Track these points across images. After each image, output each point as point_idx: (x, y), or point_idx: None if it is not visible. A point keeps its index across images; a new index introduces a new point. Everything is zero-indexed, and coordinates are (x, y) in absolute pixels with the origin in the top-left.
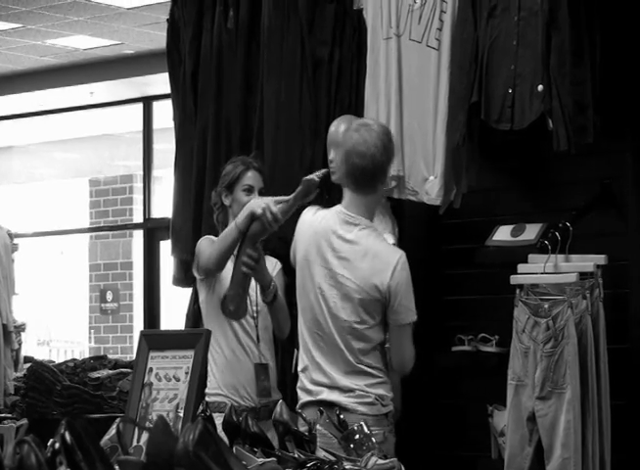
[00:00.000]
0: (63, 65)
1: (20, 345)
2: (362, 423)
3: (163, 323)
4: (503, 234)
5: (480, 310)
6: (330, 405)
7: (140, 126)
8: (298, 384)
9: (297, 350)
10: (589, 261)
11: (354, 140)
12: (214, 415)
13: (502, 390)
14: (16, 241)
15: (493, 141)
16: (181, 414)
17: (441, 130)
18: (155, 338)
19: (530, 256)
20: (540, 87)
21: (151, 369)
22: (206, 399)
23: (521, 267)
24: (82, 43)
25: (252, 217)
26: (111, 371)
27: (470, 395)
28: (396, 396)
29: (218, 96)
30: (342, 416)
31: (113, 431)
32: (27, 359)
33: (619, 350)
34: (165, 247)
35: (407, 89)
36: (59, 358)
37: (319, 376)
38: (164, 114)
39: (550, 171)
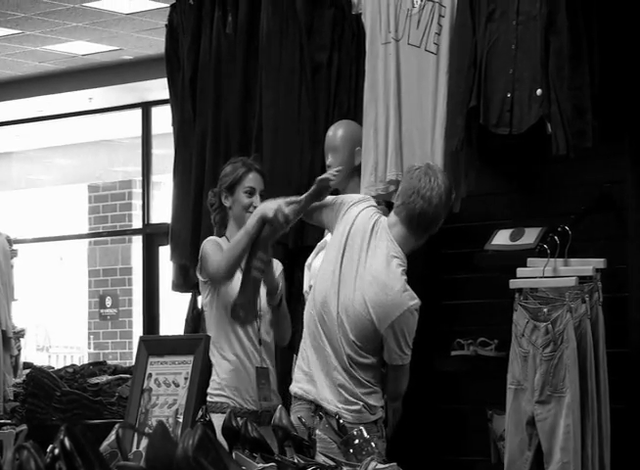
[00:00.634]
0: (61, 70)
1: (19, 351)
2: (362, 428)
3: (163, 329)
4: (502, 238)
5: (479, 315)
6: (320, 407)
7: (139, 132)
8: (295, 371)
9: (297, 355)
10: (588, 265)
11: (422, 183)
12: (216, 415)
13: (501, 394)
14: (15, 247)
15: (492, 145)
16: (180, 420)
17: (440, 134)
18: (154, 343)
19: (530, 260)
20: (539, 91)
21: (150, 375)
22: (209, 399)
23: (520, 271)
24: (81, 49)
25: (264, 221)
26: (110, 377)
27: (469, 399)
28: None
29: (217, 101)
30: (341, 421)
31: (112, 436)
32: (27, 365)
33: (619, 354)
34: (165, 252)
35: (406, 93)
36: (58, 364)
37: (310, 371)
38: (163, 119)
39: (549, 176)
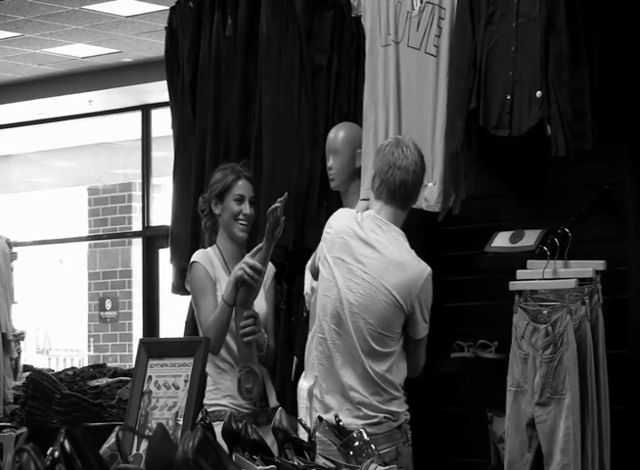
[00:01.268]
0: (61, 73)
1: (19, 353)
2: (362, 430)
3: (163, 331)
4: (502, 240)
5: (479, 317)
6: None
7: (139, 134)
8: (315, 392)
9: (297, 357)
10: (588, 267)
11: (395, 155)
12: (214, 423)
13: (501, 396)
14: (15, 249)
15: (492, 147)
16: (180, 422)
17: (440, 137)
18: (154, 346)
19: (529, 262)
20: (539, 93)
21: (150, 377)
22: (207, 409)
23: (520, 273)
24: (81, 52)
25: (237, 285)
26: (110, 379)
27: (469, 401)
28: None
29: (217, 104)
30: (341, 423)
31: (112, 439)
32: (27, 368)
33: (619, 355)
34: (164, 255)
35: (406, 96)
36: (58, 367)
37: (331, 388)
38: (163, 122)
39: (549, 177)
